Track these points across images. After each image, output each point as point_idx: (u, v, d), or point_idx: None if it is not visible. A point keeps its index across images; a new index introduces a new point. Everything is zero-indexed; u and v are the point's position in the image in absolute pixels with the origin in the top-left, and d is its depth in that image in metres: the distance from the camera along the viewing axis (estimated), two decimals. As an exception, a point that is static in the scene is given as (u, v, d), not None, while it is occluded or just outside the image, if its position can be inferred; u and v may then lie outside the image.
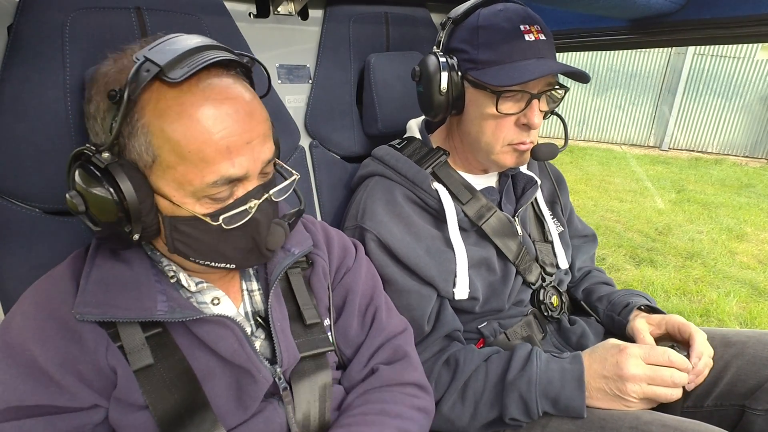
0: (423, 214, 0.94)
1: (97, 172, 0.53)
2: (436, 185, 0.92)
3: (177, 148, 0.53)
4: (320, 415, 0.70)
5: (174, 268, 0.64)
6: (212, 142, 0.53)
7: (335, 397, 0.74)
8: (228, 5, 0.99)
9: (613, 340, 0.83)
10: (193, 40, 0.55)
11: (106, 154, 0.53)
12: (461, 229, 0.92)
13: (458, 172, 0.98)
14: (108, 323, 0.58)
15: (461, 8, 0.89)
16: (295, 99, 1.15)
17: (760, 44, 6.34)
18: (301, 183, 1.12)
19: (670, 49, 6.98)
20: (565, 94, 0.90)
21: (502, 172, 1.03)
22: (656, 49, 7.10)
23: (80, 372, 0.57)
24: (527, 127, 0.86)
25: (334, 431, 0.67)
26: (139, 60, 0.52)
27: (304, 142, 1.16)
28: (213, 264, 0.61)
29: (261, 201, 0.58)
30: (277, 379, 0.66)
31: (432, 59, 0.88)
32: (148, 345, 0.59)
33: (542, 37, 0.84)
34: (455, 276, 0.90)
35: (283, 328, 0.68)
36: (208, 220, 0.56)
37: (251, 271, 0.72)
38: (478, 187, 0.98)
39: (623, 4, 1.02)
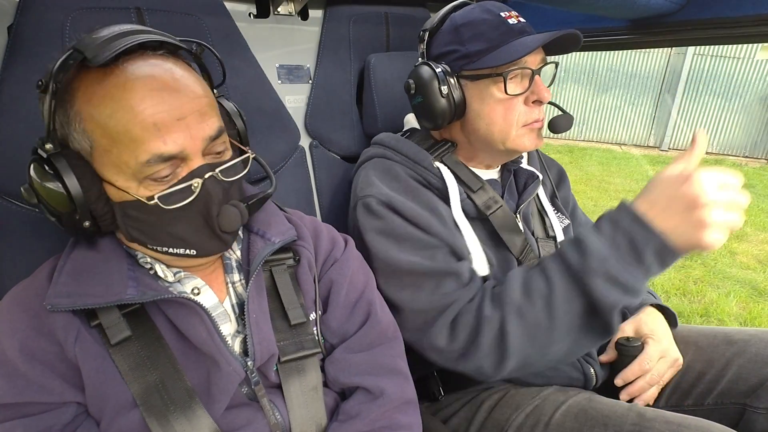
0: (426, 192, 0.92)
1: (44, 164, 0.55)
2: (439, 164, 0.92)
3: (106, 131, 0.53)
4: (314, 417, 0.68)
5: (149, 260, 0.64)
6: (137, 121, 0.53)
7: (326, 401, 0.72)
8: (228, 5, 0.99)
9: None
10: (124, 27, 0.55)
11: (48, 145, 0.54)
12: (467, 215, 0.91)
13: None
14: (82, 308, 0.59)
15: (434, 18, 0.91)
16: (295, 99, 1.15)
17: (760, 44, 6.34)
18: (301, 183, 1.12)
19: (670, 49, 6.99)
20: (556, 69, 0.94)
21: (504, 168, 1.02)
22: (656, 49, 7.11)
23: (51, 364, 0.57)
24: (537, 103, 0.88)
25: None
26: (68, 51, 0.53)
27: (304, 142, 1.16)
28: (172, 251, 0.60)
29: (204, 179, 0.57)
30: (249, 374, 0.65)
31: (423, 68, 0.88)
32: (125, 320, 0.60)
33: (522, 19, 0.87)
34: (468, 252, 0.88)
35: (258, 321, 0.66)
36: (144, 200, 0.55)
37: (233, 263, 0.70)
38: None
39: (623, 4, 1.02)
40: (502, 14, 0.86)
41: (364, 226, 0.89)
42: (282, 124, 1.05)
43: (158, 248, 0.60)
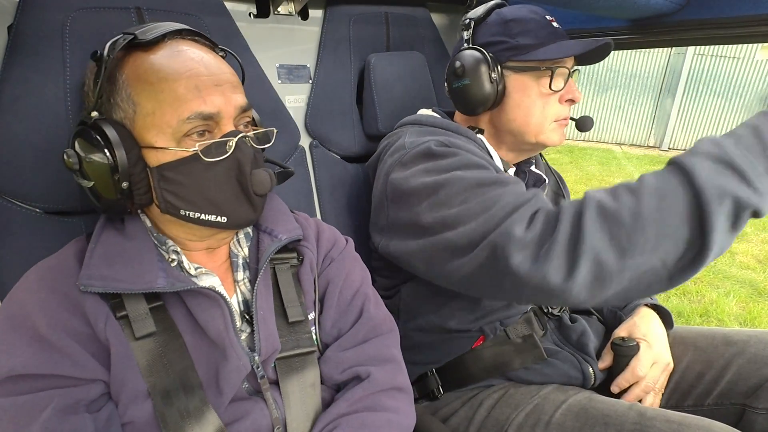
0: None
1: (89, 129, 0.59)
2: (480, 136, 0.95)
3: (152, 92, 0.60)
4: (313, 414, 0.69)
5: (178, 249, 0.67)
6: (182, 81, 0.60)
7: (324, 397, 0.73)
8: (228, 5, 0.99)
9: None
10: (164, 23, 0.65)
11: (94, 113, 0.60)
12: None
13: None
14: (111, 295, 0.60)
15: (480, 10, 0.96)
16: (295, 99, 1.15)
17: (760, 44, 6.34)
18: (301, 183, 1.12)
19: (670, 49, 6.98)
20: (578, 77, 0.99)
21: (519, 169, 1.05)
22: (656, 49, 7.10)
23: (83, 341, 0.59)
24: (569, 102, 0.94)
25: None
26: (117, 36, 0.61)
27: (304, 142, 1.16)
28: (204, 217, 0.63)
29: (238, 138, 0.62)
30: (255, 368, 0.66)
31: (475, 53, 0.92)
32: (151, 315, 0.62)
33: (559, 26, 0.94)
34: None
35: (265, 317, 0.68)
36: (186, 152, 0.60)
37: (240, 260, 0.72)
38: None
39: (623, 4, 1.02)
40: (547, 17, 0.93)
41: (415, 174, 0.84)
42: (282, 124, 1.05)
43: (190, 214, 0.62)
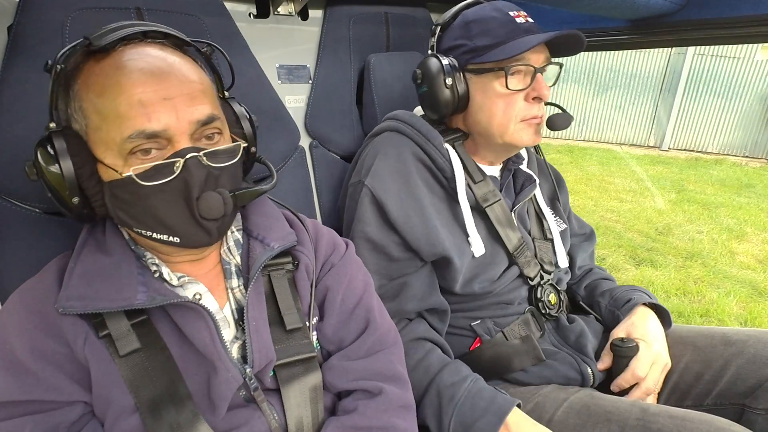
0: (428, 178, 0.95)
1: (46, 142, 0.57)
2: (448, 146, 0.95)
3: (97, 108, 0.56)
4: (313, 417, 0.69)
5: (157, 261, 0.64)
6: (124, 97, 0.55)
7: (325, 401, 0.72)
8: (228, 5, 0.99)
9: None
10: (134, 22, 0.60)
11: (52, 124, 0.58)
12: None
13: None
14: (93, 314, 0.59)
15: (447, 14, 0.96)
16: (295, 99, 1.15)
17: (760, 44, 6.34)
18: (301, 183, 1.12)
19: (670, 49, 6.98)
20: (560, 71, 0.96)
21: (505, 167, 1.04)
22: (656, 49, 7.10)
23: (60, 364, 0.58)
24: (537, 100, 0.90)
25: None
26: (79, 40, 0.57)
27: (304, 142, 1.16)
28: (156, 236, 0.60)
29: (186, 159, 0.57)
30: (247, 380, 0.65)
31: (431, 60, 0.92)
32: (134, 331, 0.60)
33: (530, 20, 0.90)
34: (468, 236, 0.93)
35: (258, 328, 0.66)
36: (119, 175, 0.56)
37: (233, 268, 0.70)
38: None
39: (623, 4, 1.02)
40: (511, 13, 0.89)
41: (358, 213, 0.94)
42: (282, 124, 1.05)
43: (143, 232, 0.60)
